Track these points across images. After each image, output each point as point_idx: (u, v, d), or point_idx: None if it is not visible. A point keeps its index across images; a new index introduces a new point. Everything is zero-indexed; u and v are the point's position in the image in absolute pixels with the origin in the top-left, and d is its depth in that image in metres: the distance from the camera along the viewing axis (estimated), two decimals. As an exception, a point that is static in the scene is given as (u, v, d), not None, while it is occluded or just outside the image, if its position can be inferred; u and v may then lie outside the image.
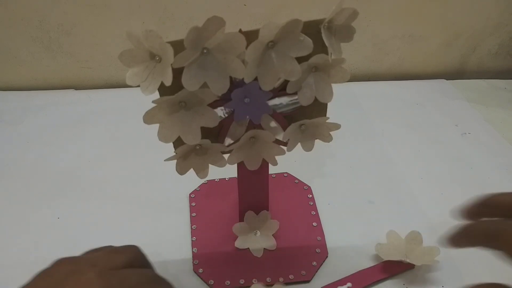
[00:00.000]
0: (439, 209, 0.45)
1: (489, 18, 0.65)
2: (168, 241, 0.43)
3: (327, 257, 0.41)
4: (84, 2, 0.58)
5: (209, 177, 0.48)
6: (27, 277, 0.39)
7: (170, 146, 0.31)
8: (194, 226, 0.44)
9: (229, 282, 0.39)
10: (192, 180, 0.47)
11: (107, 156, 0.52)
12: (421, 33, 0.66)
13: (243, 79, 0.27)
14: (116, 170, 0.50)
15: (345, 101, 0.62)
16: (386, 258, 0.40)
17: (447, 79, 0.69)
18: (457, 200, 0.49)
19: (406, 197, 0.48)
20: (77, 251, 0.41)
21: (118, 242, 0.42)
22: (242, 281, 0.39)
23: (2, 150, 0.53)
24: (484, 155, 0.54)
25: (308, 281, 0.39)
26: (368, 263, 0.41)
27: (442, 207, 0.46)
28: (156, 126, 0.29)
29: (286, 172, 0.49)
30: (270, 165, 0.36)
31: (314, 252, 0.41)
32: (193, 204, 0.46)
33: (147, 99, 0.27)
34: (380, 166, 0.52)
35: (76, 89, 0.65)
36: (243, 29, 0.26)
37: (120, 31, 0.61)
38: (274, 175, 0.49)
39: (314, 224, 0.44)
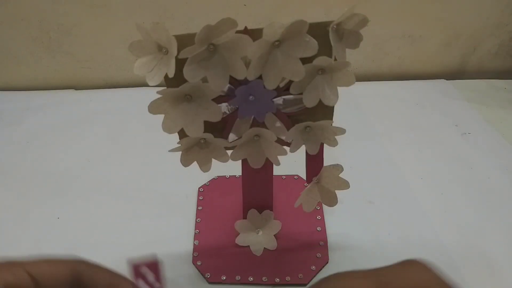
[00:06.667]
0: (439, 209, 0.45)
1: (489, 18, 0.65)
2: (172, 232, 0.43)
3: (327, 262, 0.40)
4: (84, 2, 0.58)
5: (220, 174, 0.49)
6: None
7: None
8: (198, 219, 0.44)
9: (225, 277, 0.39)
10: (202, 175, 0.47)
11: (107, 156, 0.52)
12: (421, 33, 0.66)
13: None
14: (116, 169, 0.50)
15: (344, 101, 0.62)
16: None
17: (447, 79, 0.69)
18: (457, 200, 0.49)
19: (406, 197, 0.48)
20: (77, 251, 0.41)
21: (119, 241, 0.42)
22: (238, 278, 0.39)
23: (2, 150, 0.53)
24: (484, 155, 0.54)
25: (304, 285, 0.39)
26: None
27: (442, 207, 0.46)
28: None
29: (296, 175, 0.49)
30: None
31: (315, 257, 0.41)
32: (201, 198, 0.46)
33: (147, 99, 0.27)
34: (380, 166, 0.52)
35: (76, 89, 0.65)
36: (243, 30, 0.26)
37: (120, 31, 0.61)
38: (284, 177, 0.49)
39: (319, 228, 0.43)
